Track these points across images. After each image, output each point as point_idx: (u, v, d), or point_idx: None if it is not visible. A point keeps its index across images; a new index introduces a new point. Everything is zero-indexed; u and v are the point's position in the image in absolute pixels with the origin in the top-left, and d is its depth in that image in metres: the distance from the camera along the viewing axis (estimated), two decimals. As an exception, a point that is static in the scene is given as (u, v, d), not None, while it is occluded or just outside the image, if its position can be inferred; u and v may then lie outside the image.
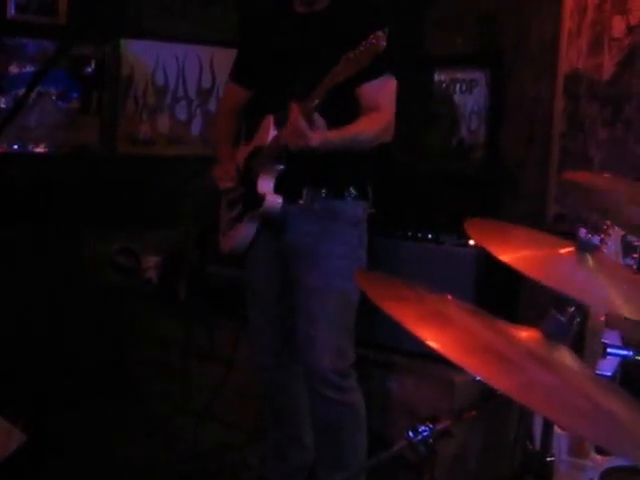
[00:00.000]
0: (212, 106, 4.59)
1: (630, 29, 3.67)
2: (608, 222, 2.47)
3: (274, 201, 3.02)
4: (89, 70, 4.24)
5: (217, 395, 3.67)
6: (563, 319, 1.49)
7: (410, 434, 1.58)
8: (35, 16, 4.03)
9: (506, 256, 1.55)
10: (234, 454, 3.68)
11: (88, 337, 4.15)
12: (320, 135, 2.84)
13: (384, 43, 2.68)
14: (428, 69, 4.33)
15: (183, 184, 4.44)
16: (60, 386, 3.91)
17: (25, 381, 3.81)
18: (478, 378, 1.26)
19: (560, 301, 1.53)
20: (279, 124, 2.96)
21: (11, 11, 3.97)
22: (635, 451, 1.30)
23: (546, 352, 1.44)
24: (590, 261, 1.60)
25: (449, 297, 1.55)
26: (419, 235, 3.52)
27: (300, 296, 3.05)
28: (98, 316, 4.18)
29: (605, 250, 2.44)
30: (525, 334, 1.48)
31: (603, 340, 2.33)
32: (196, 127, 4.63)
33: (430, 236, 3.50)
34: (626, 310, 1.54)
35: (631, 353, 2.39)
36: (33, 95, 3.97)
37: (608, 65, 3.74)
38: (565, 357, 1.46)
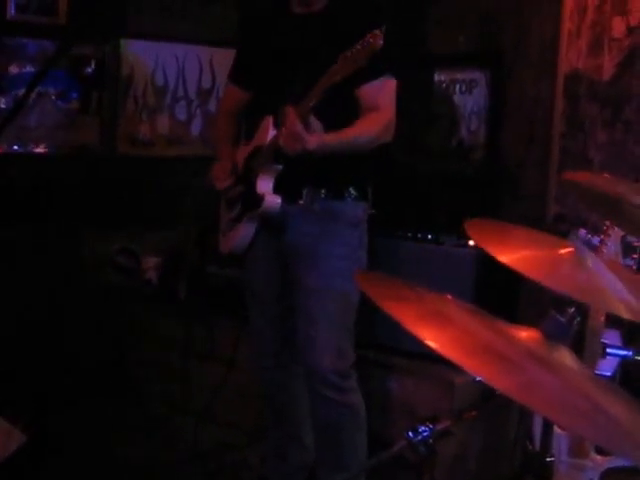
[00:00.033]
0: (212, 106, 4.59)
1: (630, 30, 3.67)
2: (608, 222, 2.47)
3: (273, 201, 3.02)
4: (89, 70, 4.24)
5: (217, 395, 3.67)
6: (563, 319, 1.49)
7: (410, 434, 1.58)
8: (35, 16, 4.03)
9: (505, 257, 1.55)
10: (234, 454, 3.68)
11: (88, 337, 4.15)
12: (317, 138, 2.84)
13: (381, 42, 2.68)
14: (428, 69, 4.33)
15: (183, 184, 4.44)
16: (60, 386, 3.91)
17: (25, 381, 3.81)
18: (478, 378, 1.26)
19: (560, 301, 1.53)
20: (278, 124, 2.96)
21: (11, 11, 3.97)
22: (635, 451, 1.30)
23: (546, 352, 1.44)
24: (589, 261, 1.60)
25: (449, 297, 1.55)
26: (419, 235, 3.52)
27: (300, 297, 3.05)
28: (98, 316, 4.18)
29: (605, 250, 2.45)
30: (525, 334, 1.48)
31: (603, 340, 2.33)
32: (196, 127, 4.63)
33: (430, 236, 3.50)
34: (625, 311, 1.54)
35: (631, 353, 2.39)
36: (33, 95, 3.97)
37: (608, 66, 3.74)
38: (565, 357, 1.46)
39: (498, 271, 1.68)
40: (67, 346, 4.09)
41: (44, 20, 4.05)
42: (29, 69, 4.03)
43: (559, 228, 3.69)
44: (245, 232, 3.14)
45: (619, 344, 2.60)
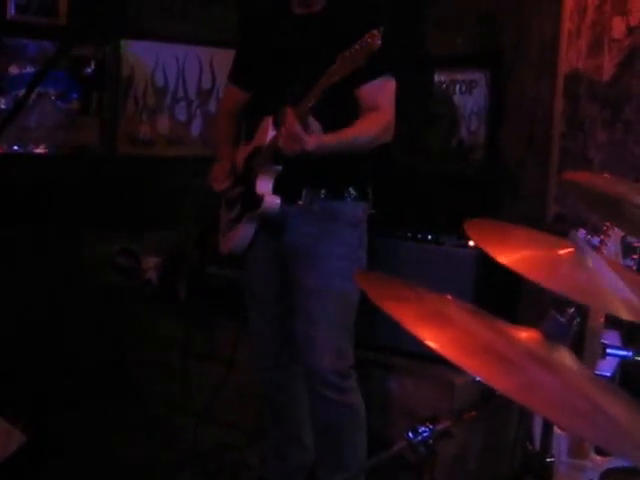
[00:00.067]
0: (212, 107, 4.59)
1: (630, 30, 3.68)
2: (608, 223, 2.47)
3: (272, 202, 3.02)
4: (89, 71, 4.24)
5: (217, 395, 3.67)
6: (563, 320, 1.49)
7: (410, 435, 1.58)
8: (35, 17, 4.02)
9: (505, 257, 1.55)
10: (234, 454, 3.68)
11: (88, 338, 4.15)
12: (316, 139, 2.84)
13: (379, 42, 2.69)
14: (428, 70, 4.33)
15: (183, 185, 4.44)
16: (60, 386, 3.91)
17: (25, 381, 3.81)
18: (478, 379, 1.26)
19: (560, 302, 1.53)
20: (278, 125, 2.96)
21: (11, 12, 3.97)
22: (634, 452, 1.30)
23: (546, 353, 1.44)
24: (589, 262, 1.60)
25: (449, 297, 1.55)
26: (419, 236, 3.52)
27: (299, 297, 3.05)
28: (98, 317, 4.18)
29: (605, 251, 2.45)
30: (525, 334, 1.48)
31: (602, 340, 2.33)
32: (196, 128, 4.63)
33: (430, 237, 3.50)
34: (625, 312, 1.54)
35: (630, 354, 2.39)
36: (33, 96, 3.97)
37: (608, 66, 3.74)
38: (565, 358, 1.46)
39: (498, 271, 1.68)
40: (67, 346, 4.09)
41: (44, 21, 4.05)
42: (29, 70, 4.03)
43: (559, 228, 3.69)
44: (245, 232, 3.14)
45: (619, 344, 2.60)
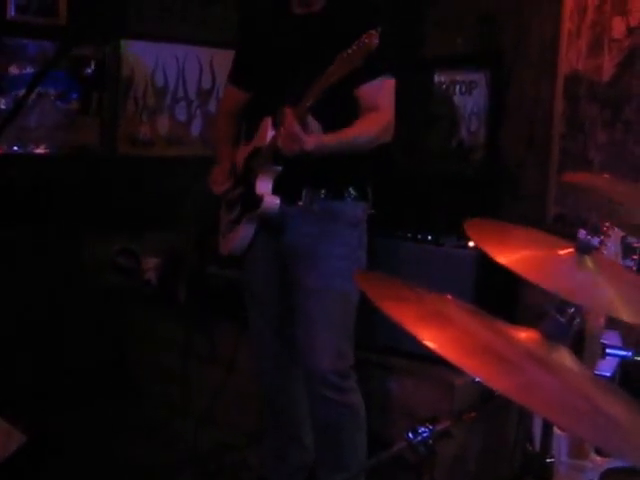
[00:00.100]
0: (212, 107, 4.59)
1: (630, 30, 3.68)
2: (607, 223, 2.47)
3: (272, 202, 3.02)
4: (89, 71, 4.24)
5: (217, 396, 3.67)
6: (562, 320, 1.49)
7: (410, 435, 1.58)
8: (35, 17, 4.03)
9: (504, 257, 1.55)
10: (234, 455, 3.68)
11: (88, 338, 4.15)
12: (315, 139, 2.84)
13: (377, 41, 2.69)
14: (428, 70, 4.33)
15: (183, 185, 4.44)
16: (60, 386, 3.91)
17: (25, 381, 3.81)
18: (477, 379, 1.26)
19: (560, 302, 1.53)
20: (277, 125, 2.96)
21: (11, 12, 3.97)
22: (634, 452, 1.30)
23: (545, 353, 1.44)
24: (589, 263, 1.60)
25: (449, 297, 1.55)
26: (419, 236, 3.52)
27: (299, 297, 3.05)
28: (98, 317, 4.18)
29: (605, 251, 2.44)
30: (524, 335, 1.48)
31: (602, 340, 2.33)
32: (196, 128, 4.63)
33: (430, 237, 3.50)
34: (625, 313, 1.54)
35: (630, 354, 2.39)
36: (33, 96, 3.97)
37: (608, 66, 3.74)
38: (564, 358, 1.46)
39: (498, 272, 1.68)
40: (67, 346, 4.09)
41: (44, 21, 4.05)
42: (29, 70, 4.03)
43: (559, 229, 3.69)
44: (244, 233, 3.14)
45: (618, 344, 2.59)
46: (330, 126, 2.91)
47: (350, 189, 3.05)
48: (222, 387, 3.66)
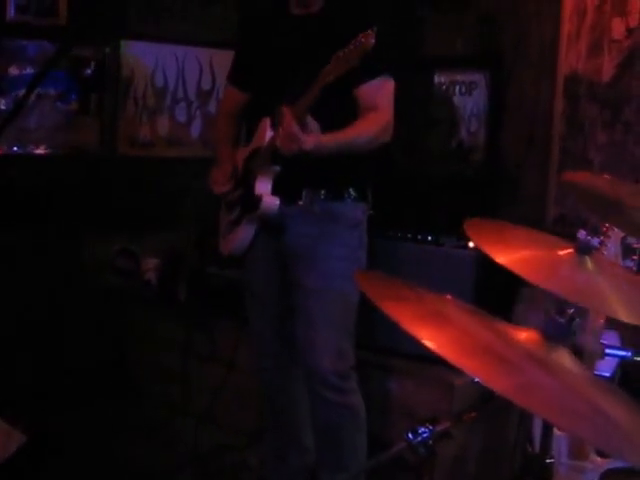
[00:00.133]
0: (212, 107, 4.59)
1: (630, 31, 3.68)
2: (607, 224, 2.47)
3: (271, 202, 3.02)
4: (89, 71, 4.24)
5: (217, 397, 3.67)
6: (562, 320, 1.49)
7: (410, 436, 1.58)
8: (35, 17, 4.02)
9: (504, 257, 1.55)
10: (234, 455, 3.68)
11: (88, 338, 4.15)
12: (314, 138, 2.84)
13: (373, 41, 2.69)
14: (428, 71, 4.33)
15: (183, 186, 4.43)
16: (60, 386, 3.91)
17: (25, 381, 3.81)
18: (477, 379, 1.26)
19: (559, 302, 1.53)
20: (275, 125, 2.96)
21: (11, 12, 3.96)
22: (633, 453, 1.30)
23: (545, 353, 1.44)
24: (589, 263, 1.60)
25: (448, 297, 1.55)
26: (419, 237, 3.52)
27: (299, 297, 3.05)
28: (98, 318, 4.18)
29: (605, 252, 2.44)
30: (524, 335, 1.48)
31: (602, 341, 2.33)
32: (196, 129, 4.63)
33: (430, 238, 3.50)
34: (624, 314, 1.54)
35: (629, 354, 2.39)
36: (33, 97, 3.97)
37: (608, 67, 3.74)
38: (564, 359, 1.46)
39: (498, 272, 1.68)
40: (67, 346, 4.09)
41: (44, 21, 4.05)
42: (29, 70, 4.03)
43: (559, 229, 3.69)
44: (244, 234, 3.14)
45: (618, 345, 2.60)
46: (329, 126, 2.91)
47: (350, 190, 3.05)
48: (222, 387, 3.66)
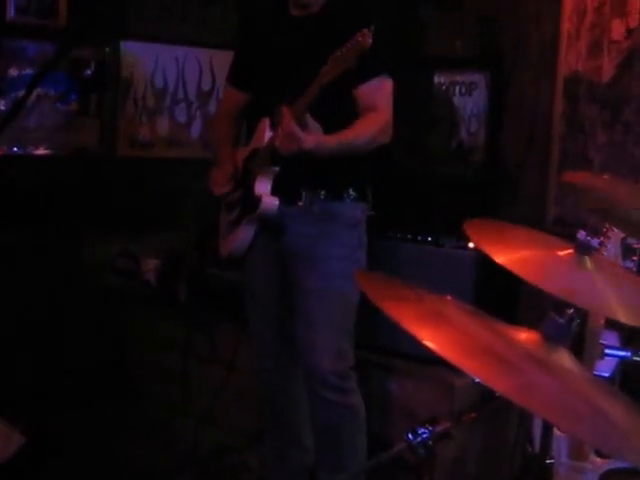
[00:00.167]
0: (212, 108, 4.59)
1: (629, 32, 3.68)
2: (607, 225, 2.47)
3: (271, 203, 3.02)
4: (89, 72, 4.24)
5: (217, 397, 3.67)
6: (562, 321, 1.49)
7: (409, 436, 1.58)
8: (35, 18, 4.02)
9: (503, 257, 1.55)
10: (234, 456, 3.68)
11: (88, 338, 4.15)
12: (314, 138, 2.84)
13: (370, 40, 2.69)
14: (428, 71, 4.33)
15: (183, 186, 4.43)
16: (60, 386, 3.91)
17: (25, 381, 3.81)
18: (477, 380, 1.26)
19: (559, 303, 1.53)
20: (274, 125, 2.96)
21: (11, 13, 3.97)
22: (633, 453, 1.30)
23: (545, 354, 1.44)
24: (589, 264, 1.60)
25: (448, 298, 1.55)
26: (419, 237, 3.52)
27: (299, 298, 3.05)
28: (98, 317, 4.18)
29: (605, 253, 2.44)
30: (524, 336, 1.48)
31: (601, 341, 2.33)
32: (196, 129, 4.63)
33: (430, 238, 3.50)
34: (624, 315, 1.54)
35: (629, 354, 2.39)
36: (33, 97, 3.97)
37: (607, 68, 3.74)
38: (564, 359, 1.46)
39: (498, 273, 1.68)
40: (67, 347, 4.09)
41: (44, 22, 4.05)
42: (29, 71, 4.03)
43: (559, 230, 3.69)
44: (244, 235, 3.13)
45: (617, 345, 2.59)
46: (330, 127, 2.91)
47: (349, 190, 3.05)
48: (222, 387, 3.66)
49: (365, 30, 2.69)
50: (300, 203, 3.02)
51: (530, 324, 1.52)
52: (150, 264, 4.23)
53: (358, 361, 3.10)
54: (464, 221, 1.74)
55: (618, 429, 1.32)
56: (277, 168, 3.01)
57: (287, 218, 3.04)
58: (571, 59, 3.84)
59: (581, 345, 2.20)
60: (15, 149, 4.06)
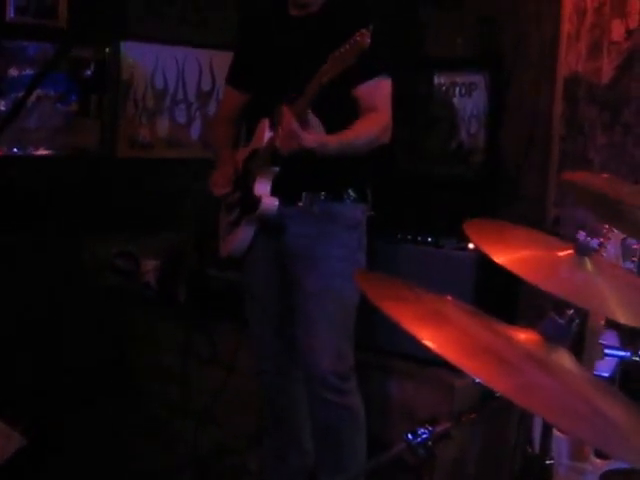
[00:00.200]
0: (212, 109, 4.59)
1: (629, 33, 3.68)
2: (607, 225, 2.47)
3: (270, 204, 3.01)
4: (89, 73, 4.24)
5: (217, 398, 3.67)
6: (562, 321, 1.49)
7: (409, 437, 1.58)
8: (35, 18, 4.03)
9: (503, 258, 1.55)
10: (234, 457, 3.68)
11: (88, 338, 4.15)
12: (315, 136, 2.83)
13: (368, 40, 2.69)
14: (427, 72, 4.33)
15: (183, 187, 4.44)
16: (60, 386, 3.91)
17: (25, 381, 3.81)
18: (476, 380, 1.25)
19: (559, 303, 1.53)
20: (274, 126, 2.96)
21: (10, 13, 3.97)
22: (633, 454, 1.30)
23: (545, 354, 1.44)
24: (589, 265, 1.60)
25: (448, 298, 1.55)
26: (419, 238, 3.52)
27: (299, 298, 3.05)
28: (98, 317, 4.18)
29: (605, 254, 2.44)
30: (524, 336, 1.48)
31: (601, 341, 2.33)
32: (195, 130, 4.63)
33: (430, 239, 3.50)
34: (624, 316, 1.54)
35: (629, 354, 2.39)
36: (33, 98, 3.97)
37: (607, 69, 3.74)
38: (564, 359, 1.46)
39: (498, 274, 1.68)
40: (67, 346, 4.09)
41: (44, 22, 4.05)
42: (29, 72, 4.03)
43: (559, 231, 3.69)
44: (244, 235, 3.13)
45: (617, 345, 2.59)
46: (330, 127, 2.91)
47: (349, 191, 3.04)
48: (222, 388, 3.65)
49: (364, 30, 2.69)
50: (300, 204, 3.02)
51: (530, 324, 1.52)
52: (150, 265, 4.23)
53: (358, 362, 3.10)
54: (464, 222, 1.73)
55: (618, 429, 1.32)
56: (277, 168, 3.00)
57: (287, 219, 3.04)
58: (571, 60, 3.84)
59: (581, 345, 2.20)
60: (15, 150, 4.06)
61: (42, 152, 4.15)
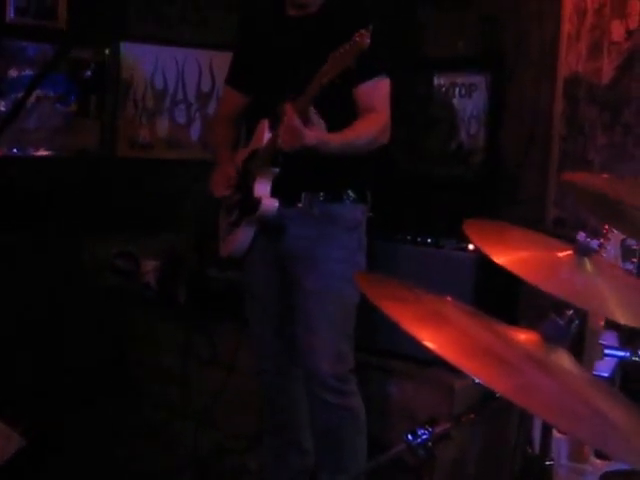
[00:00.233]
0: (211, 110, 4.59)
1: (629, 33, 3.68)
2: (607, 226, 2.47)
3: (270, 205, 3.01)
4: (88, 73, 4.24)
5: (217, 399, 3.67)
6: (562, 322, 1.49)
7: (409, 437, 1.58)
8: (34, 19, 4.03)
9: (503, 258, 1.55)
10: (234, 458, 3.68)
11: (88, 338, 4.15)
12: (316, 134, 2.83)
13: (368, 40, 2.69)
14: (428, 72, 4.33)
15: (183, 188, 4.44)
16: (60, 386, 3.91)
17: (25, 381, 3.81)
18: (476, 380, 1.25)
19: (559, 304, 1.53)
20: (273, 126, 2.95)
21: (10, 14, 3.97)
22: (633, 455, 1.29)
23: (544, 355, 1.44)
24: (588, 265, 1.60)
25: (448, 298, 1.55)
26: (418, 239, 3.52)
27: (299, 298, 3.04)
28: (98, 317, 4.18)
29: (604, 254, 2.44)
30: (524, 336, 1.48)
31: (601, 341, 2.33)
32: (195, 131, 4.63)
33: (429, 240, 3.49)
34: (623, 316, 1.54)
35: (629, 354, 2.39)
36: (32, 99, 3.97)
37: (607, 69, 3.74)
38: (563, 360, 1.46)
39: (498, 274, 1.68)
40: (67, 346, 4.09)
41: (43, 23, 4.05)
42: (28, 72, 4.03)
43: (559, 231, 3.69)
44: (244, 236, 3.13)
45: (617, 345, 2.59)
46: (331, 127, 2.91)
47: (349, 192, 3.04)
48: (222, 389, 3.65)
49: (363, 30, 2.69)
50: (300, 205, 3.02)
51: (530, 325, 1.52)
52: (150, 265, 4.23)
53: (358, 363, 3.10)
54: (464, 222, 1.73)
55: (618, 430, 1.32)
56: (277, 169, 3.00)
57: (287, 219, 3.04)
58: (571, 60, 3.84)
59: (581, 346, 2.20)
60: (15, 150, 4.06)
61: (42, 152, 4.15)
